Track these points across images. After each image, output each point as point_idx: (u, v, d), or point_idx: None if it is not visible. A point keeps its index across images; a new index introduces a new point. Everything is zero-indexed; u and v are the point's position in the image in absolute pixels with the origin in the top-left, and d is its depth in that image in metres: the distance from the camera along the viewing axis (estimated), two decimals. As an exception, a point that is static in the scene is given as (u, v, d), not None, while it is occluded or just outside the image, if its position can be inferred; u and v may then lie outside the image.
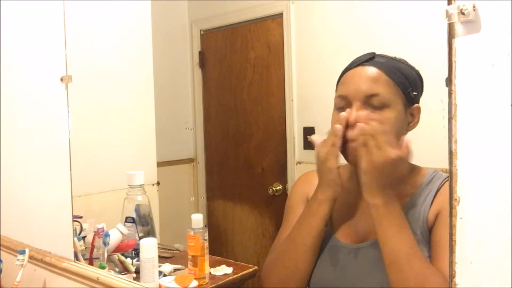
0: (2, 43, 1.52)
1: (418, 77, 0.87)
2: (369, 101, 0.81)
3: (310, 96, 1.98)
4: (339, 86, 0.87)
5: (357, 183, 0.90)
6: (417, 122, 0.85)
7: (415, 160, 0.88)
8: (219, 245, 2.40)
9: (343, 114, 0.81)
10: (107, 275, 1.19)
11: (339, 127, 0.81)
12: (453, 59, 0.58)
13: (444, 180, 0.83)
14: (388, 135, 0.76)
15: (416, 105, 0.85)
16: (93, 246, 1.26)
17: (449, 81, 0.58)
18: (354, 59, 0.88)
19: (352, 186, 0.91)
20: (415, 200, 0.83)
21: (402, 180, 0.84)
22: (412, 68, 0.87)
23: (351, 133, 0.81)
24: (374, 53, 0.86)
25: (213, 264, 1.28)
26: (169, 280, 1.18)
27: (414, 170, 0.88)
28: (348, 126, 0.81)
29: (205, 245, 1.17)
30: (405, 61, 0.87)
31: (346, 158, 0.84)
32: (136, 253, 1.29)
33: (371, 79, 0.82)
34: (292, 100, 2.06)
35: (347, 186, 0.92)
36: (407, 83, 0.83)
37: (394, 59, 0.86)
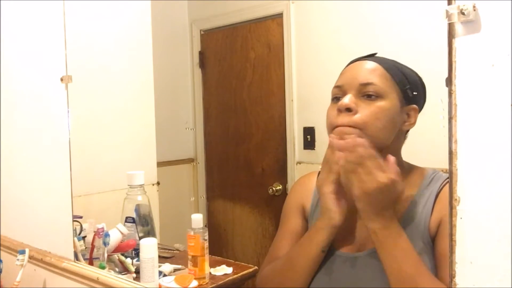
0: (2, 43, 1.52)
1: (420, 82, 0.86)
2: (364, 90, 0.81)
3: (310, 96, 1.98)
4: (338, 79, 0.88)
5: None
6: (413, 123, 0.84)
7: (415, 160, 0.88)
8: (219, 245, 2.40)
9: (335, 136, 0.80)
10: (107, 275, 1.19)
11: (337, 154, 0.78)
12: (453, 59, 0.58)
13: (443, 182, 0.82)
14: (376, 159, 0.75)
15: (413, 105, 0.84)
16: (93, 246, 1.26)
17: (449, 81, 0.58)
18: (355, 58, 0.89)
19: (348, 190, 0.91)
20: (415, 204, 0.83)
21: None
22: (415, 73, 0.86)
23: (341, 119, 0.81)
24: (375, 53, 0.87)
25: (213, 264, 1.28)
26: (169, 280, 1.18)
27: (413, 170, 0.87)
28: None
29: (205, 245, 1.17)
30: (407, 66, 0.87)
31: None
32: (136, 253, 1.29)
33: (368, 70, 0.83)
34: (292, 100, 2.06)
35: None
36: (405, 80, 0.83)
37: (396, 61, 0.86)
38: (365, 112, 0.79)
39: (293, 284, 0.87)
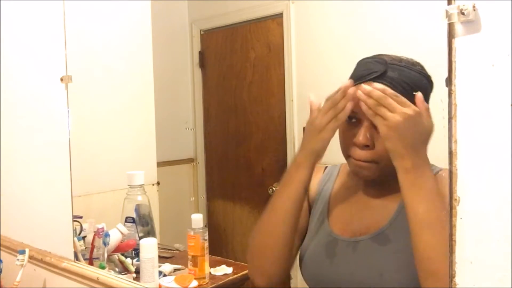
0: (2, 43, 1.52)
1: (426, 79, 0.82)
2: None
3: (310, 96, 1.98)
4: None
5: (356, 178, 0.90)
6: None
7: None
8: (219, 245, 2.40)
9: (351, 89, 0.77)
10: (107, 275, 1.19)
11: (350, 104, 0.77)
12: (453, 59, 0.58)
13: (438, 170, 0.82)
14: (397, 97, 0.73)
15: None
16: (93, 246, 1.26)
17: (449, 81, 0.58)
18: (365, 63, 0.83)
19: (351, 182, 0.91)
20: None
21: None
22: (423, 73, 0.82)
23: (358, 153, 0.80)
24: (386, 61, 0.80)
25: (213, 264, 1.28)
26: (169, 280, 1.18)
27: None
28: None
29: (205, 245, 1.17)
30: (417, 64, 0.83)
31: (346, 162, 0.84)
32: (136, 253, 1.29)
33: None
34: (292, 100, 2.06)
35: (347, 181, 0.93)
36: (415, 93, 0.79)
37: (406, 66, 0.81)
38: (381, 146, 0.78)
39: (276, 229, 0.85)
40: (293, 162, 0.86)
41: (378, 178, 0.82)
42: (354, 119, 0.81)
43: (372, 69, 0.80)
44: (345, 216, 0.89)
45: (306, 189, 0.85)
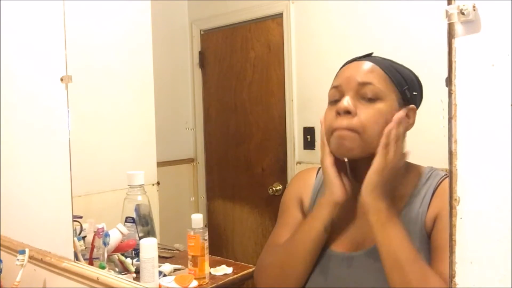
0: (2, 43, 1.52)
1: (417, 81, 0.85)
2: (362, 91, 0.79)
3: (310, 96, 1.98)
4: (334, 79, 0.87)
5: (352, 182, 0.90)
6: (412, 124, 0.83)
7: (415, 160, 0.87)
8: (219, 245, 2.40)
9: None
10: (107, 275, 1.19)
11: (323, 130, 0.84)
12: (453, 59, 0.58)
13: (440, 179, 0.82)
14: (402, 140, 0.79)
15: (411, 105, 0.83)
16: (93, 246, 1.26)
17: (449, 81, 0.58)
18: (351, 58, 0.88)
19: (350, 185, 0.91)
20: (412, 201, 0.82)
21: (399, 181, 0.83)
22: (411, 72, 0.85)
23: (340, 122, 0.80)
24: (372, 53, 0.86)
25: (213, 264, 1.28)
26: (169, 280, 1.18)
27: (410, 168, 0.86)
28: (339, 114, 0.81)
29: (205, 245, 1.17)
30: (404, 65, 0.86)
31: (329, 146, 0.84)
32: (136, 253, 1.29)
33: (366, 70, 0.81)
34: (292, 100, 2.06)
35: None
36: (403, 81, 0.82)
37: (392, 61, 0.85)
38: (364, 115, 0.78)
39: (295, 269, 0.85)
40: (316, 203, 0.88)
41: (360, 158, 0.81)
42: (337, 98, 0.83)
43: (357, 57, 0.86)
44: (341, 229, 0.87)
45: (326, 228, 0.84)
